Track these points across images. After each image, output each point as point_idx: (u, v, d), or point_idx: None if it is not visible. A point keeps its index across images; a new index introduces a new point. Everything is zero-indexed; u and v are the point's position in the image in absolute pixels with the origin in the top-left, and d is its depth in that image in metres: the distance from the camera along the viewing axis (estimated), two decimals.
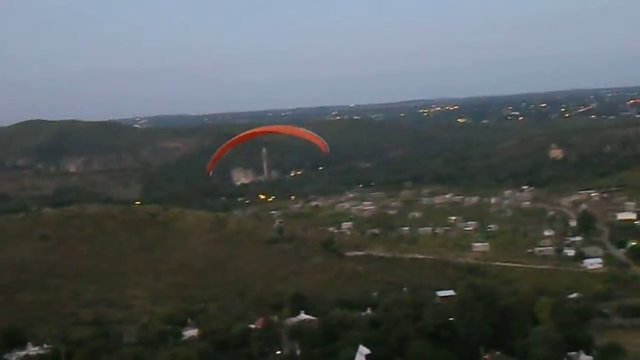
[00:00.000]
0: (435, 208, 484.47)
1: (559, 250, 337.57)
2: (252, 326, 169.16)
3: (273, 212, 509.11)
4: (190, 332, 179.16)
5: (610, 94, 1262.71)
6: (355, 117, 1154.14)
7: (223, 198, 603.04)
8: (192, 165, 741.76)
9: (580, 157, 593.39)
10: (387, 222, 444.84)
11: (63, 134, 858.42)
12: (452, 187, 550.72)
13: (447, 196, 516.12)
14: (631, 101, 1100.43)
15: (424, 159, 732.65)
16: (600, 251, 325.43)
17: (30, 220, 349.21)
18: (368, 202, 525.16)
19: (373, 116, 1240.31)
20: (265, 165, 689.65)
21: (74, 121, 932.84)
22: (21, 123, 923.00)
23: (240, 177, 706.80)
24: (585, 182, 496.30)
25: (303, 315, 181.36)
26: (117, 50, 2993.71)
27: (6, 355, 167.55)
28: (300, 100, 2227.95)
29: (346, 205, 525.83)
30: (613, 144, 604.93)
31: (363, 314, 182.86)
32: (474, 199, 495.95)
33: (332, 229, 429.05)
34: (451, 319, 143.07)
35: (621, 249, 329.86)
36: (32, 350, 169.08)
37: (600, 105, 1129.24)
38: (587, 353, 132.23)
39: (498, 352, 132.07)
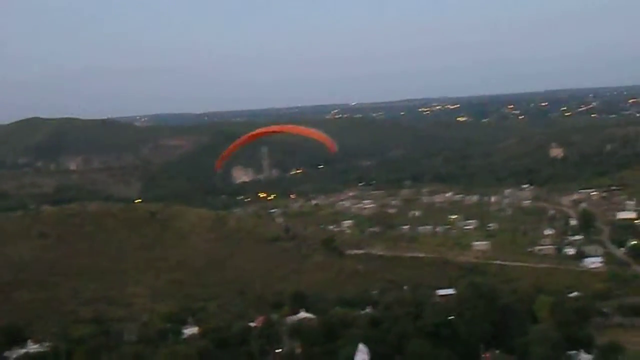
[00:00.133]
0: (436, 207, 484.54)
1: (559, 249, 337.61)
2: (253, 324, 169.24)
3: (273, 210, 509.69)
4: (191, 330, 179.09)
5: (610, 93, 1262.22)
6: (356, 116, 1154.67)
7: (223, 196, 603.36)
8: (192, 163, 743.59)
9: (580, 156, 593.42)
10: (387, 221, 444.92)
11: (62, 132, 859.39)
12: (453, 185, 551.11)
13: (447, 195, 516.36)
14: (632, 100, 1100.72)
15: (424, 158, 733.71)
16: (600, 250, 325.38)
17: (29, 219, 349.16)
18: (368, 201, 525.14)
19: (374, 115, 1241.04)
20: (265, 163, 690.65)
21: (73, 119, 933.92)
22: (21, 121, 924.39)
23: (241, 176, 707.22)
24: (586, 181, 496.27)
25: (303, 314, 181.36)
26: (117, 49, 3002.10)
27: (6, 353, 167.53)
28: (301, 98, 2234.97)
29: (346, 203, 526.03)
30: (613, 142, 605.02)
31: (363, 312, 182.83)
32: (474, 198, 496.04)
33: (332, 227, 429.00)
34: (451, 317, 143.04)
35: (621, 248, 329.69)
36: (32, 348, 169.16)
37: (601, 104, 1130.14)
38: (587, 352, 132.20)
39: (498, 351, 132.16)
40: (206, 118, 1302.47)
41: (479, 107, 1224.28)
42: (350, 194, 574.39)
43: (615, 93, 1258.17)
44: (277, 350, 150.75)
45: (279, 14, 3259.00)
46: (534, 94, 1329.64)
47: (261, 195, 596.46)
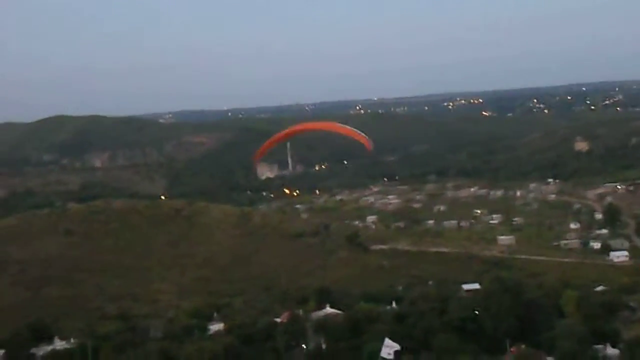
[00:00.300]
0: (460, 201, 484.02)
1: (585, 243, 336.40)
2: (278, 320, 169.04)
3: (298, 206, 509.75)
4: (216, 327, 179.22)
5: (636, 86, 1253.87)
6: (379, 111, 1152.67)
7: (248, 192, 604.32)
8: (216, 159, 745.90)
9: (605, 149, 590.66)
10: (412, 216, 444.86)
11: (87, 130, 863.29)
12: (477, 180, 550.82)
13: (472, 189, 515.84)
14: None
15: (448, 153, 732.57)
16: (626, 244, 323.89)
17: (55, 216, 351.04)
18: (393, 196, 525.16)
19: (397, 110, 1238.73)
20: (290, 159, 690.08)
21: (98, 117, 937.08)
22: (45, 119, 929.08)
23: (265, 172, 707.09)
24: (611, 175, 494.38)
25: (328, 309, 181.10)
26: (142, 46, 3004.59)
27: (33, 350, 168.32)
28: (324, 94, 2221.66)
29: (371, 199, 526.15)
30: (639, 136, 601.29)
31: (388, 307, 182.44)
32: (499, 192, 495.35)
33: (357, 222, 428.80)
34: (477, 312, 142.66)
35: None
36: (59, 344, 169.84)
37: (626, 97, 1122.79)
38: (614, 346, 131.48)
39: (524, 345, 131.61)
40: (230, 114, 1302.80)
41: (503, 102, 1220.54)
42: (375, 189, 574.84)
43: None
44: (302, 346, 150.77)
45: (304, 10, 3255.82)
46: (558, 88, 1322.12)
47: (286, 191, 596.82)
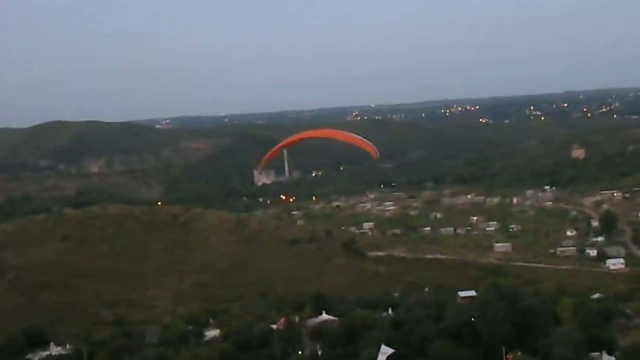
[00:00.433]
0: (457, 208, 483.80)
1: (581, 251, 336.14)
2: (274, 326, 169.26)
3: (294, 212, 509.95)
4: (212, 333, 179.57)
5: (632, 94, 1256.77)
6: (376, 117, 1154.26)
7: (244, 198, 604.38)
8: (213, 165, 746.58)
9: (602, 156, 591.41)
10: (409, 223, 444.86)
11: (84, 135, 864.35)
12: (474, 187, 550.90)
13: (468, 196, 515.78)
14: None
15: (445, 159, 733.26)
16: (622, 251, 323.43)
17: (52, 221, 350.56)
18: (389, 203, 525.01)
19: (394, 116, 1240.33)
20: (286, 165, 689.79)
21: (95, 122, 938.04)
22: (41, 124, 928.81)
23: (262, 178, 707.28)
24: (608, 182, 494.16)
25: (325, 316, 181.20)
26: (138, 51, 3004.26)
27: (29, 355, 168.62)
28: (321, 100, 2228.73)
29: (367, 205, 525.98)
30: (636, 143, 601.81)
31: (385, 314, 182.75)
32: (496, 199, 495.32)
33: (353, 229, 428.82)
34: (473, 319, 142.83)
35: None
36: (55, 350, 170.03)
37: (623, 105, 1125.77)
38: (610, 353, 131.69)
39: (520, 352, 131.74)
40: (227, 120, 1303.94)
41: (500, 108, 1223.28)
42: (371, 195, 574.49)
43: (638, 94, 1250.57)
44: (298, 352, 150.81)
45: (301, 14, 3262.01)
46: (554, 95, 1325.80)
47: (282, 197, 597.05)
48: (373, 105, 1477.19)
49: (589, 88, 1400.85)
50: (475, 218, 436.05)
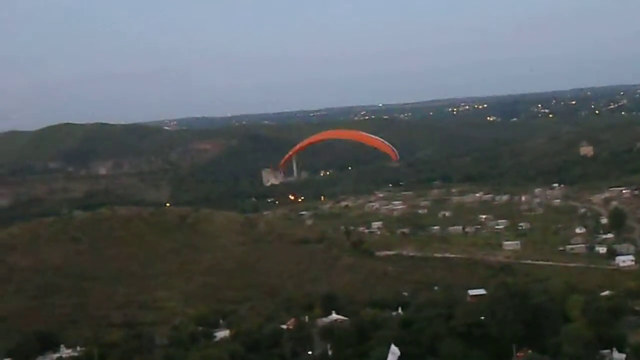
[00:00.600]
0: (466, 207, 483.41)
1: (591, 248, 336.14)
2: (284, 327, 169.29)
3: (303, 212, 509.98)
4: (222, 333, 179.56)
5: None
6: (384, 117, 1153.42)
7: (253, 199, 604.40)
8: (221, 166, 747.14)
9: (611, 153, 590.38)
10: (417, 222, 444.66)
11: (92, 137, 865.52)
12: (482, 185, 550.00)
13: (477, 195, 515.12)
14: None
15: (453, 158, 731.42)
16: (632, 248, 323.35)
17: (61, 224, 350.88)
18: (398, 202, 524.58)
19: (401, 116, 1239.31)
20: (294, 165, 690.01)
21: (103, 124, 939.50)
22: (51, 127, 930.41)
23: (270, 178, 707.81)
24: (616, 179, 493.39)
25: (334, 316, 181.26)
26: (145, 53, 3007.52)
27: (39, 358, 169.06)
28: (328, 100, 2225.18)
29: (376, 205, 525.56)
30: None
31: (394, 313, 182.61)
32: (504, 198, 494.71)
33: (362, 228, 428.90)
34: (483, 317, 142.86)
35: None
36: (66, 352, 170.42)
37: (631, 102, 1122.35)
38: (620, 351, 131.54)
39: (530, 351, 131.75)
40: (234, 121, 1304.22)
41: (508, 107, 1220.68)
42: (380, 195, 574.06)
43: None
44: (308, 353, 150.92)
45: (307, 14, 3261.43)
46: (562, 93, 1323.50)
47: (291, 198, 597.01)
48: (380, 105, 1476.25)
49: (596, 85, 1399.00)
50: (484, 216, 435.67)
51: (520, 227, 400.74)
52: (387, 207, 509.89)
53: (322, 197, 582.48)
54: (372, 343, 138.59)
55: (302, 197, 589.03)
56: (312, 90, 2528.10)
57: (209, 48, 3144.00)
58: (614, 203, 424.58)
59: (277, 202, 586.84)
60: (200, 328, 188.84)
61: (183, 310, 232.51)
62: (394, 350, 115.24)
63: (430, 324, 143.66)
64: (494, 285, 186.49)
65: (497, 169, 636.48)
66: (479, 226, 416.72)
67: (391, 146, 75.39)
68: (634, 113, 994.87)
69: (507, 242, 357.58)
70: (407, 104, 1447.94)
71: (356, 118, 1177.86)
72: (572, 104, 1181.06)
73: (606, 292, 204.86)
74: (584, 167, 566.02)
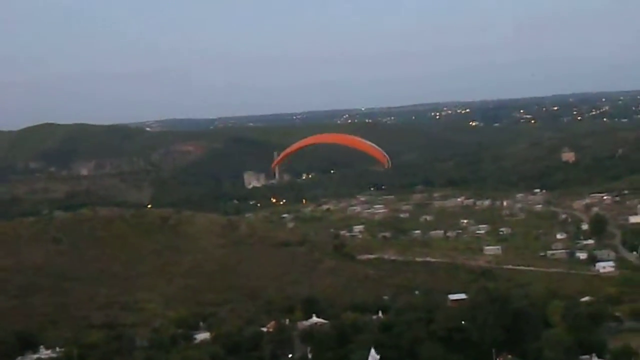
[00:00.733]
0: (447, 211, 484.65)
1: (571, 254, 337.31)
2: (264, 329, 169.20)
3: (285, 215, 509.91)
4: (202, 336, 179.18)
5: (622, 97, 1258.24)
6: (367, 121, 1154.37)
7: (235, 201, 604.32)
8: (203, 168, 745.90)
9: (592, 159, 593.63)
10: (399, 226, 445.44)
11: (74, 138, 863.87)
12: (464, 190, 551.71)
13: (459, 199, 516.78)
14: None
15: (435, 162, 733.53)
16: (612, 254, 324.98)
17: (42, 224, 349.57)
18: (379, 206, 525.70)
19: (384, 119, 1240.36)
20: (277, 168, 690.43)
21: (85, 125, 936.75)
22: (32, 127, 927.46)
23: (252, 181, 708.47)
24: (598, 185, 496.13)
25: (315, 319, 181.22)
26: (127, 53, 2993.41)
27: (19, 359, 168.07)
28: (312, 104, 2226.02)
29: (357, 208, 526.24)
30: (625, 146, 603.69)
31: (375, 317, 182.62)
32: (486, 202, 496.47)
33: (343, 232, 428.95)
34: (463, 322, 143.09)
35: (633, 252, 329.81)
36: (45, 353, 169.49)
37: (613, 108, 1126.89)
38: (599, 356, 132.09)
39: (510, 356, 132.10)
40: (217, 123, 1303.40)
41: (490, 112, 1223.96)
42: (362, 198, 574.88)
43: (628, 97, 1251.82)
44: (288, 355, 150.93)
45: (289, 16, 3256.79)
46: (544, 98, 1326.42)
47: (273, 200, 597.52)
48: (363, 109, 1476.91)
49: (579, 91, 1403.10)
50: (465, 221, 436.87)
51: (501, 232, 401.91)
52: (369, 210, 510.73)
53: (304, 200, 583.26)
54: (352, 347, 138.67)
55: (284, 200, 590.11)
56: (296, 94, 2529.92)
57: (192, 50, 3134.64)
58: (595, 209, 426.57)
59: (258, 205, 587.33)
60: (180, 330, 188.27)
61: (164, 312, 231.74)
62: (374, 354, 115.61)
63: (410, 328, 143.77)
64: (474, 289, 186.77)
65: (479, 173, 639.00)
66: (460, 231, 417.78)
67: (383, 153, 74.95)
68: (616, 119, 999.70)
69: (488, 247, 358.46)
70: (391, 107, 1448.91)
71: (339, 122, 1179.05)
72: (555, 109, 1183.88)
73: (586, 298, 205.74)
74: (565, 173, 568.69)
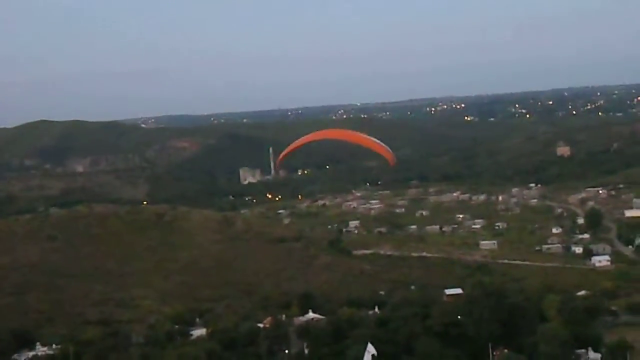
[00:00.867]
0: (443, 206, 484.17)
1: (567, 248, 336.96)
2: (260, 325, 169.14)
3: (281, 211, 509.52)
4: (198, 332, 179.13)
5: (617, 91, 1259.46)
6: (362, 116, 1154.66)
7: (230, 197, 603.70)
8: (199, 164, 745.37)
9: (587, 154, 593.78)
10: (395, 221, 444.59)
11: (69, 135, 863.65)
12: (459, 185, 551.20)
13: (454, 194, 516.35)
14: (639, 98, 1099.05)
15: (431, 157, 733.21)
16: (608, 248, 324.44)
17: (37, 221, 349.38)
18: (375, 201, 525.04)
19: (380, 115, 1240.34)
20: (272, 164, 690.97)
21: (80, 122, 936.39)
22: (28, 124, 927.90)
23: (248, 177, 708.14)
24: (593, 179, 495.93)
25: (311, 314, 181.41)
26: (122, 50, 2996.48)
27: (15, 356, 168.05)
28: (307, 99, 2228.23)
29: (353, 204, 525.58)
30: (621, 141, 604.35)
31: (371, 312, 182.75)
32: (482, 197, 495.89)
33: (339, 227, 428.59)
34: (459, 317, 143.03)
35: (629, 246, 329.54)
36: (41, 350, 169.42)
37: (608, 102, 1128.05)
38: (595, 350, 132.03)
39: (506, 350, 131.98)
40: (213, 119, 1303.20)
41: (486, 107, 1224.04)
42: (358, 194, 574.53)
43: (622, 91, 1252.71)
44: (285, 351, 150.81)
45: (284, 13, 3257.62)
46: (539, 93, 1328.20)
47: (268, 196, 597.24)
48: (359, 104, 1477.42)
49: (574, 85, 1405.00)
50: (461, 216, 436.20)
51: (497, 227, 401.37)
52: (365, 206, 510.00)
53: (300, 196, 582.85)
54: (349, 342, 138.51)
55: (280, 196, 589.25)
56: (291, 89, 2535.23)
57: (187, 47, 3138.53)
58: (591, 203, 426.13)
59: (254, 201, 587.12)
60: (176, 326, 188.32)
61: (159, 308, 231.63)
62: (370, 349, 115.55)
63: (406, 323, 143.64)
64: (470, 284, 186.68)
65: (474, 168, 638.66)
66: (456, 226, 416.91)
67: (389, 150, 74.96)
68: (611, 114, 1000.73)
69: (483, 242, 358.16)
70: (386, 103, 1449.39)
71: (334, 117, 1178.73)
72: (550, 104, 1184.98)
73: (582, 292, 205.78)
74: (560, 167, 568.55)
